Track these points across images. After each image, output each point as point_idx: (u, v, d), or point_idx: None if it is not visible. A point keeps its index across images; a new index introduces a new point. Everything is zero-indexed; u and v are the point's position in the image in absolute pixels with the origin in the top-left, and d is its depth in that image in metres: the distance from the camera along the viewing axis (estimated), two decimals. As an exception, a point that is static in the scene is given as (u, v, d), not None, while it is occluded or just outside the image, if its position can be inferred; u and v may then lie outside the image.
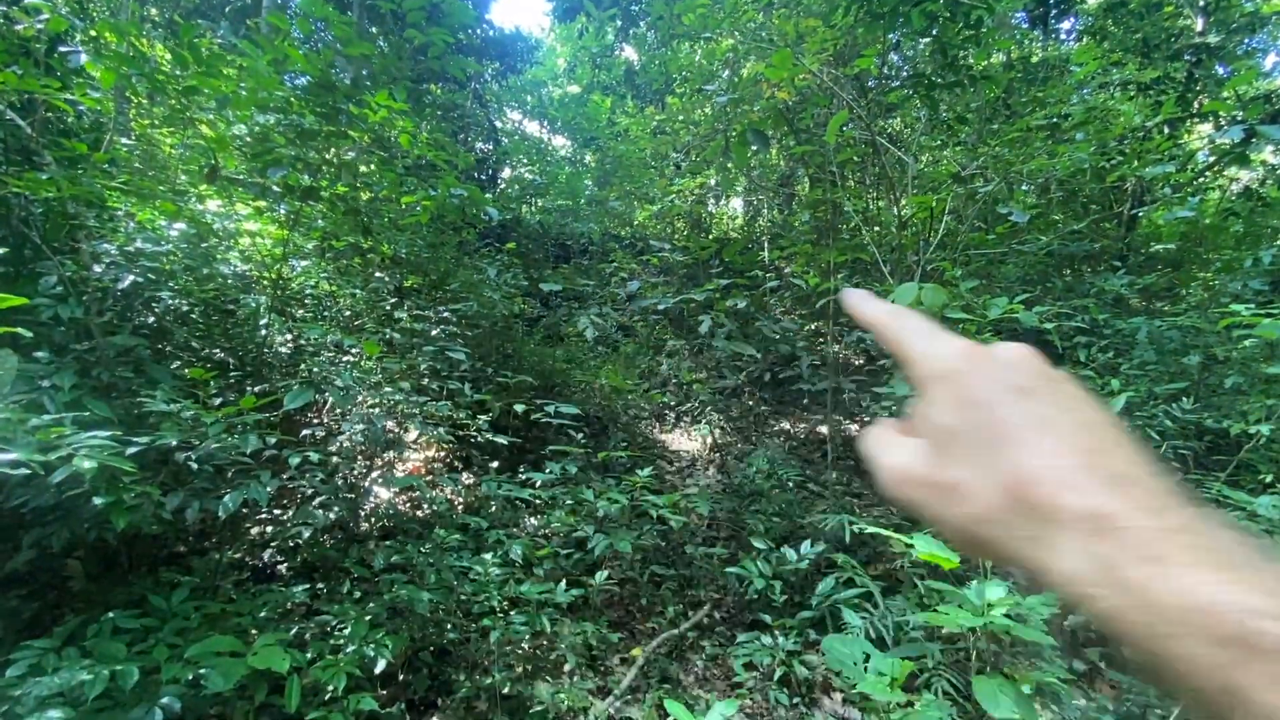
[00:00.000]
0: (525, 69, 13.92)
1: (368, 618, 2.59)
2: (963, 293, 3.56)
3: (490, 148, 12.02)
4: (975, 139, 4.72)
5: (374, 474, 3.65)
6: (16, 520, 2.79)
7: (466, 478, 5.40)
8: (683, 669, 3.62)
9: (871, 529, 2.46)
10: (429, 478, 5.25)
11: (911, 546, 1.95)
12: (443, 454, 5.70)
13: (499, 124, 13.24)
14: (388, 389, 3.19)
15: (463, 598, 2.91)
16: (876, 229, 5.24)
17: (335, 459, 3.11)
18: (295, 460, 2.40)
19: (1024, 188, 5.76)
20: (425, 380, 3.59)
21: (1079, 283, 6.50)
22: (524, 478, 3.53)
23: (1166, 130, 5.79)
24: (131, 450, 1.99)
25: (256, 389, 3.33)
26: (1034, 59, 7.44)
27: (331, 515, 2.93)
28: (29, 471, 1.90)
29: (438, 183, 3.41)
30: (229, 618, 2.66)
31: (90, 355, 2.42)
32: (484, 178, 12.31)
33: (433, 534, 3.26)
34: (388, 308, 3.94)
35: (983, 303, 3.36)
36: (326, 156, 2.79)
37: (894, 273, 4.90)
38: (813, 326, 7.31)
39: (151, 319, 3.60)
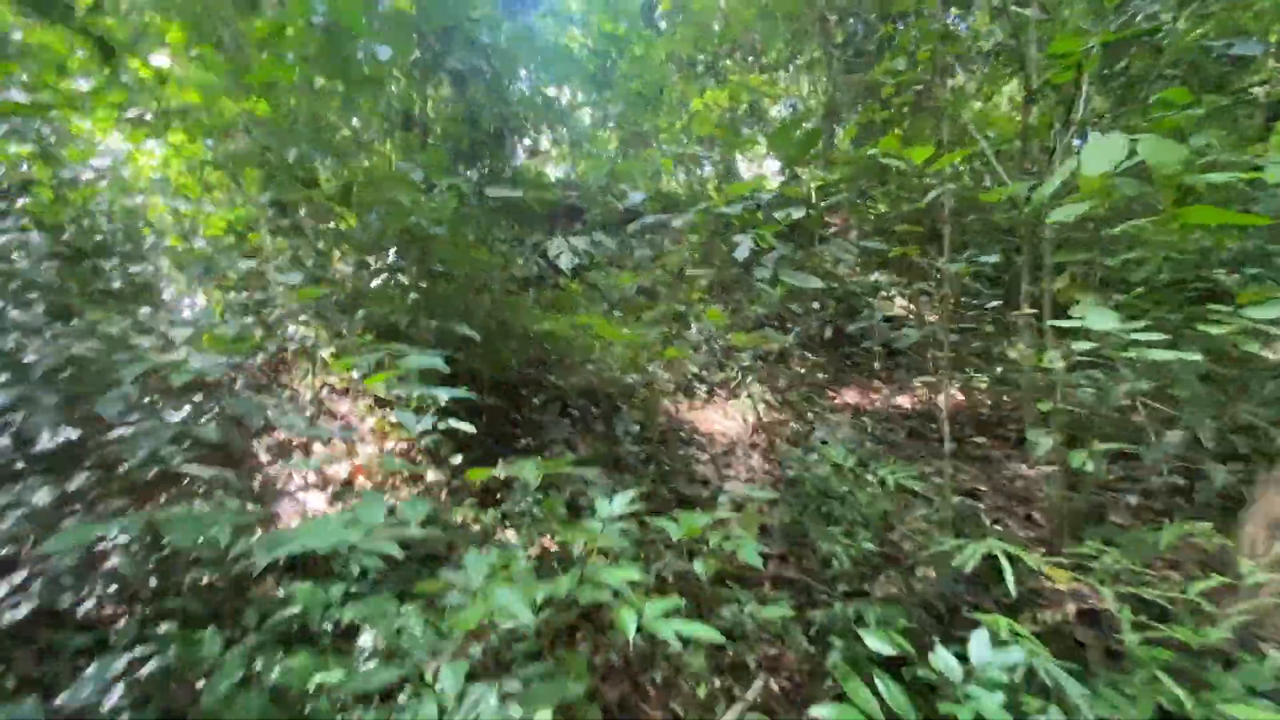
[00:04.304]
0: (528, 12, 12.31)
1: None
2: (1207, 145, 1.99)
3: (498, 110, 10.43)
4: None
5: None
6: None
7: (433, 476, 4.11)
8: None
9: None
10: (376, 480, 3.96)
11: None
12: (405, 445, 4.40)
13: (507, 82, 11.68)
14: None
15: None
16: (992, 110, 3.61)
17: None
18: None
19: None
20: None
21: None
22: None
23: None
24: None
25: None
26: None
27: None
28: None
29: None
30: None
31: None
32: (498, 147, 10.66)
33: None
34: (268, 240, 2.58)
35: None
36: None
37: (1016, 178, 3.29)
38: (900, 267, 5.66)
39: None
